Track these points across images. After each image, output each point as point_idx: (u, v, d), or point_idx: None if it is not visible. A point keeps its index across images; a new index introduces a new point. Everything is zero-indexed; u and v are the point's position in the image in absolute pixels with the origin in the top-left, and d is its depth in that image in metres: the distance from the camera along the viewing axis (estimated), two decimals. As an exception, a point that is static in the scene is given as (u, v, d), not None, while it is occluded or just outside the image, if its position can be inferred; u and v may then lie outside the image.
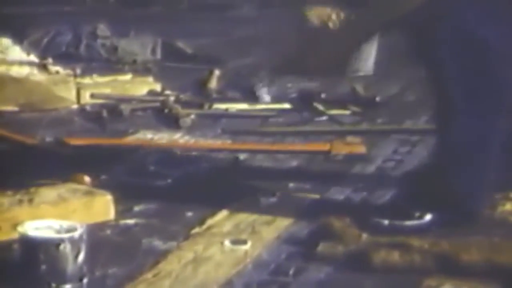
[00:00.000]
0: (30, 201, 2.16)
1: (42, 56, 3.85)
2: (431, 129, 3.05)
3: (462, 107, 2.12)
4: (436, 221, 2.16)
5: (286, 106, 3.46)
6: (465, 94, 2.12)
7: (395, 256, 1.95)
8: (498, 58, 2.10)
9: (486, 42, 2.09)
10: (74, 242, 1.85)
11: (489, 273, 1.88)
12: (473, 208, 2.17)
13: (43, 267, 1.83)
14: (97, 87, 3.58)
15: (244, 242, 2.07)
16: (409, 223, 2.16)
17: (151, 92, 3.63)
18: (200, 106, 3.41)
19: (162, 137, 3.02)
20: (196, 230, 2.17)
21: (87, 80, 3.64)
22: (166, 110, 3.34)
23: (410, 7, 2.14)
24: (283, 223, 2.20)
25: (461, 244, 1.98)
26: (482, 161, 2.15)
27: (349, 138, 2.91)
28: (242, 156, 2.77)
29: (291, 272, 1.94)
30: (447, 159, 2.18)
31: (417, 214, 2.16)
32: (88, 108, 3.42)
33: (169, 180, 2.54)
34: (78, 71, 3.72)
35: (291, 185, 2.50)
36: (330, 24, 2.21)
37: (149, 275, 1.91)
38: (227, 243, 2.06)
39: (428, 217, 2.16)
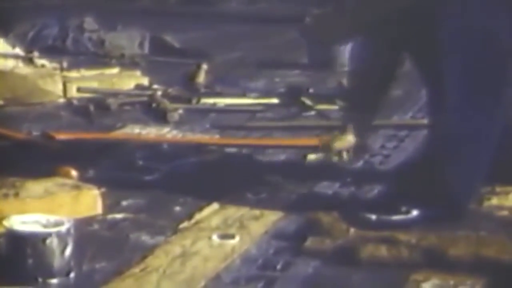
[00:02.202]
0: (16, 195, 2.14)
1: (28, 49, 3.82)
2: (418, 124, 3.07)
3: (460, 100, 2.10)
4: (423, 216, 2.16)
5: (274, 100, 3.46)
6: (464, 87, 2.09)
7: (383, 250, 1.95)
8: (503, 50, 2.07)
9: (494, 33, 2.05)
10: (61, 237, 1.84)
11: (476, 267, 1.89)
12: (462, 202, 2.17)
13: (30, 261, 1.82)
14: (84, 81, 3.57)
15: (232, 236, 2.06)
16: (396, 217, 2.16)
17: (139, 86, 3.62)
18: (188, 100, 3.40)
19: (149, 132, 3.00)
20: (184, 224, 2.16)
21: (73, 74, 3.62)
22: (153, 105, 3.32)
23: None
24: (271, 218, 2.20)
25: (448, 239, 1.99)
26: (477, 155, 2.13)
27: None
28: (230, 151, 2.76)
29: (279, 266, 1.94)
30: (440, 153, 2.16)
31: (404, 209, 2.17)
32: (75, 102, 3.41)
33: (157, 175, 2.53)
34: (65, 64, 3.70)
35: (279, 179, 2.50)
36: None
37: (136, 269, 1.90)
38: (215, 237, 2.06)
39: (415, 211, 2.17)
